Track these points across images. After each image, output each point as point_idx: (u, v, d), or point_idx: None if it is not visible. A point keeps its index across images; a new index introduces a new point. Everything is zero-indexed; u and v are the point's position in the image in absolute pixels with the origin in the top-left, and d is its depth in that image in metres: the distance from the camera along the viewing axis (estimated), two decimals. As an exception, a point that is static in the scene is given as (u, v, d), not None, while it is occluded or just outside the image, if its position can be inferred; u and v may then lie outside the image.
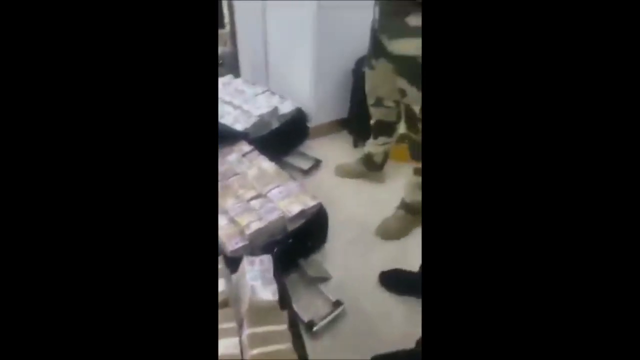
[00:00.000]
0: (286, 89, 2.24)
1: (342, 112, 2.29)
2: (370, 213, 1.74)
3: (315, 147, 2.18)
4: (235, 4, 2.37)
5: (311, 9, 1.86)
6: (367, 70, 1.58)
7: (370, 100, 1.66)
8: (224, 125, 1.75)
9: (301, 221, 1.39)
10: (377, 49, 1.41)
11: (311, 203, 1.42)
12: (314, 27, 1.90)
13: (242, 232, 1.28)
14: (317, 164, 2.02)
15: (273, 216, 1.33)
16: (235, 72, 2.44)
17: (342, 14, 1.92)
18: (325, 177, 1.99)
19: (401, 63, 1.31)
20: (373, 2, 1.38)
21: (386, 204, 1.73)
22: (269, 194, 1.43)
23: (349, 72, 2.12)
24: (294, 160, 2.02)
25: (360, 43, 2.03)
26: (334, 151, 2.17)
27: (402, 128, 1.67)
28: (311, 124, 2.18)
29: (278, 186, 1.46)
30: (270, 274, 1.01)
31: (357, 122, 2.17)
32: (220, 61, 2.48)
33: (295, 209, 1.37)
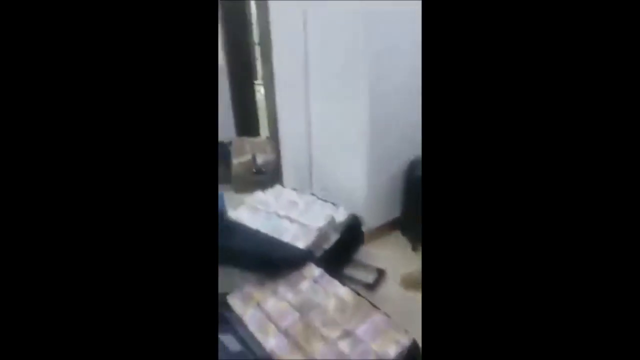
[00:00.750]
0: (334, 192, 2.16)
1: (392, 213, 2.19)
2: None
3: (372, 254, 2.04)
4: (278, 107, 2.39)
5: (362, 116, 1.85)
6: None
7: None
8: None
9: (398, 365, 1.21)
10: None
11: (404, 341, 1.24)
12: (366, 129, 1.87)
13: (339, 390, 1.09)
14: (381, 275, 1.87)
15: (369, 363, 1.15)
16: (277, 178, 2.39)
17: (394, 114, 1.91)
18: (392, 291, 1.82)
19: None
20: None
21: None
22: (356, 332, 1.27)
23: (401, 174, 2.07)
24: (355, 272, 1.87)
25: (412, 144, 2.01)
26: (392, 256, 2.03)
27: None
28: (364, 228, 2.07)
29: (364, 321, 1.30)
30: None
31: (413, 223, 2.06)
32: (263, 170, 2.43)
33: (390, 351, 1.20)
